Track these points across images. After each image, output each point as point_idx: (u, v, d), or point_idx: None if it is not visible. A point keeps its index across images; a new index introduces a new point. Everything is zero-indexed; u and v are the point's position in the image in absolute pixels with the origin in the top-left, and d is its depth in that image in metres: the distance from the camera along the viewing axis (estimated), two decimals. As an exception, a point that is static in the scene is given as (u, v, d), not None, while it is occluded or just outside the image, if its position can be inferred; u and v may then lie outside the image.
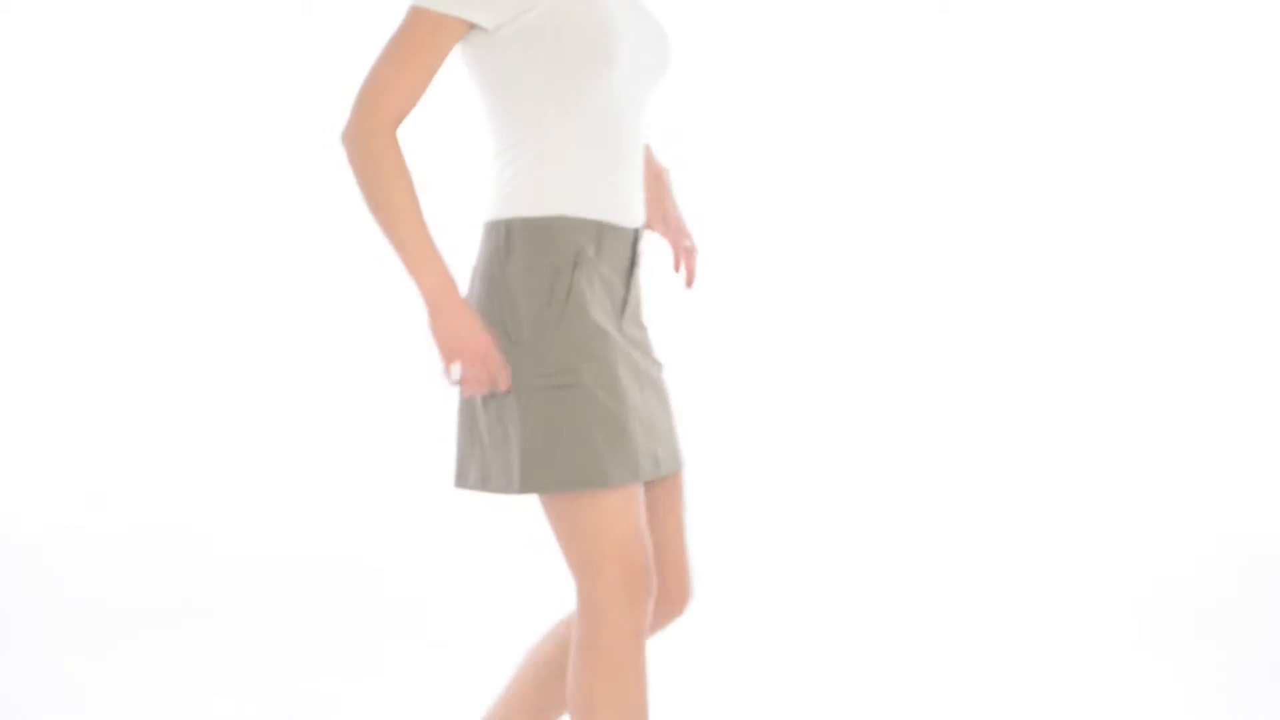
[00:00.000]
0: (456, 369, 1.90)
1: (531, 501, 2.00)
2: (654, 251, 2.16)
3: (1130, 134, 4.02)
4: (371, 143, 1.88)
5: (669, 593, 2.09)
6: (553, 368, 1.91)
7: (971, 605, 3.53)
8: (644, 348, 2.07)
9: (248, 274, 4.03)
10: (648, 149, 2.21)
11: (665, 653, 2.19)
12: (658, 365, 2.10)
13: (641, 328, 2.08)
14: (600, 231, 1.96)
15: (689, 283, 2.24)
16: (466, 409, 1.98)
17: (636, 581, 1.94)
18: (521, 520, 3.69)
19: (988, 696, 3.00)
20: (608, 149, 1.97)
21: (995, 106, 4.02)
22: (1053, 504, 3.89)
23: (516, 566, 3.69)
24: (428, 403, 3.99)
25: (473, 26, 1.90)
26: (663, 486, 2.09)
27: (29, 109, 4.00)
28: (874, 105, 4.07)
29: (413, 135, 1.98)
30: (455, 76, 1.99)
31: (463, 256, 1.99)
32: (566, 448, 1.90)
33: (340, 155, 1.90)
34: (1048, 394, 4.03)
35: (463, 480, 2.00)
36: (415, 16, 1.88)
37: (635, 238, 2.03)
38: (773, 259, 4.05)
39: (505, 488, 1.93)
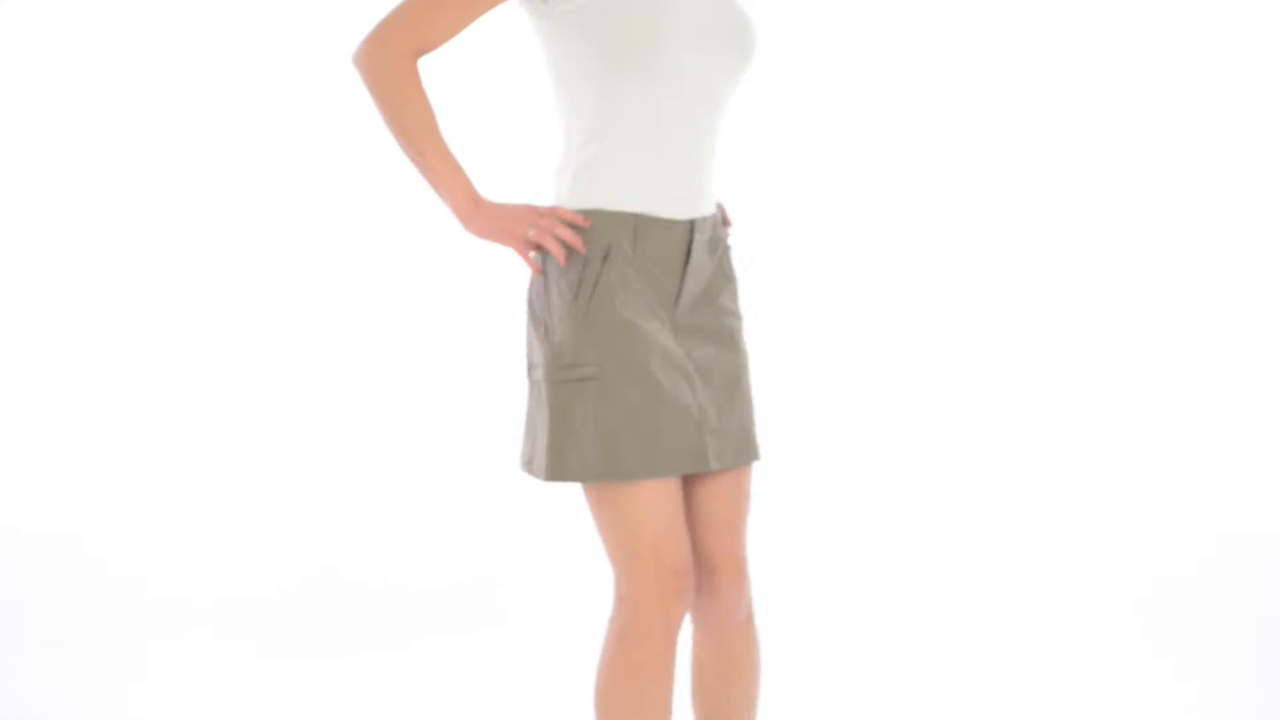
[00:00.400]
0: (530, 250, 1.98)
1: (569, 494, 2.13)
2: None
3: (1130, 132, 4.02)
4: (391, 64, 1.91)
5: (716, 587, 2.06)
6: (576, 360, 1.92)
7: (971, 605, 3.52)
8: (714, 336, 2.03)
9: (244, 274, 4.02)
10: None
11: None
12: (736, 354, 2.05)
13: (720, 312, 2.04)
14: (639, 224, 1.95)
15: None
16: (528, 394, 2.02)
17: (669, 579, 1.93)
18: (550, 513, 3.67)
19: (989, 696, 3.00)
20: (658, 138, 1.95)
21: (993, 103, 4.02)
22: (1053, 503, 3.88)
23: (530, 559, 3.69)
24: (428, 404, 4.01)
25: None
26: (723, 478, 2.04)
27: (23, 106, 4.00)
28: (871, 102, 4.06)
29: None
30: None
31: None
32: (587, 440, 1.90)
33: (355, 80, 1.96)
34: (1047, 393, 4.02)
35: (521, 462, 2.03)
36: None
37: (691, 229, 1.99)
38: (771, 258, 4.05)
39: (538, 474, 1.96)
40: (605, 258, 1.93)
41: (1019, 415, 4.01)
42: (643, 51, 1.90)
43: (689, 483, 2.04)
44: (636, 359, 1.92)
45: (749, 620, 2.09)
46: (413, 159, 1.94)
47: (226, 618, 3.50)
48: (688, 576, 1.94)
